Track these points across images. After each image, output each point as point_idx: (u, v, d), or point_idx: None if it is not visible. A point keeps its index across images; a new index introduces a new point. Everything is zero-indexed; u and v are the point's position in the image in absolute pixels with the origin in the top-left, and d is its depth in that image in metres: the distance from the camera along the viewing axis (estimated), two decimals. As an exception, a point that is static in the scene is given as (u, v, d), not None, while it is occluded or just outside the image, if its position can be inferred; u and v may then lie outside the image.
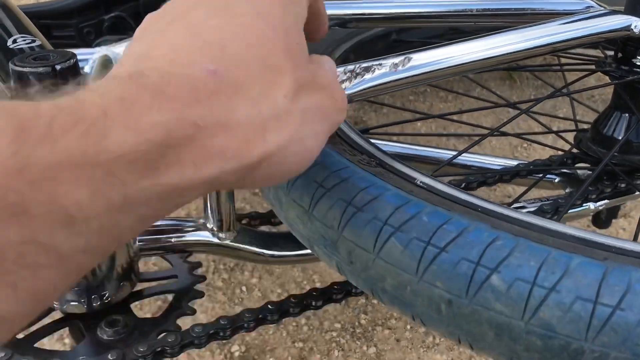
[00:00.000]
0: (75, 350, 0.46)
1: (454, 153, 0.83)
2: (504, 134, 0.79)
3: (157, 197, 0.24)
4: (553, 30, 0.53)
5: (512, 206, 0.68)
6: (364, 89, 0.45)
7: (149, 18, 0.33)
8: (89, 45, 1.00)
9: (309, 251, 0.45)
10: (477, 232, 0.34)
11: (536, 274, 0.31)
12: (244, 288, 0.86)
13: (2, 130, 0.20)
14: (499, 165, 0.82)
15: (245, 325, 0.49)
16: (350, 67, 0.45)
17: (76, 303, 0.47)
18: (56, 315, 0.49)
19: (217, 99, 0.26)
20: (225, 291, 0.85)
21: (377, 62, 0.45)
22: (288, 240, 0.56)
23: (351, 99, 0.44)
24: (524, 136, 0.97)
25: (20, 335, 0.46)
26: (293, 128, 0.29)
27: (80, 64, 0.78)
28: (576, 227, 0.36)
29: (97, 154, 0.21)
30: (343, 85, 0.44)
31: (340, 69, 0.44)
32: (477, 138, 0.74)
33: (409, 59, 0.47)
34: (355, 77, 0.45)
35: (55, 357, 0.44)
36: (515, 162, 0.78)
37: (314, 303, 0.53)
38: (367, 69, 0.45)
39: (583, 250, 0.33)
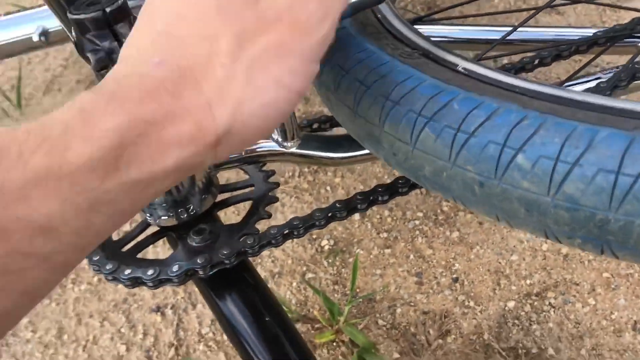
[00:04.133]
0: (170, 257, 0.52)
1: (526, 29, 0.79)
2: (578, 1, 0.74)
3: (123, 194, 0.26)
4: None
5: (576, 78, 0.65)
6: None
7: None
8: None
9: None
10: (505, 114, 0.35)
11: (560, 150, 0.32)
12: (328, 188, 0.90)
13: None
14: (576, 36, 0.78)
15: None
16: None
17: (167, 217, 0.53)
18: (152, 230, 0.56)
19: (164, 89, 0.28)
20: (312, 192, 0.90)
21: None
22: (352, 141, 0.58)
23: None
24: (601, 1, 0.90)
25: (124, 249, 0.54)
26: (238, 91, 0.29)
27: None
28: (612, 98, 0.35)
29: (60, 168, 0.24)
30: None
31: None
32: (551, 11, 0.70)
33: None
34: None
35: (155, 265, 0.51)
36: (593, 30, 0.74)
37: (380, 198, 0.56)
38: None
39: (613, 122, 0.33)
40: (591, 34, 0.70)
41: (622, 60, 0.79)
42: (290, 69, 0.30)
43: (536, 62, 0.71)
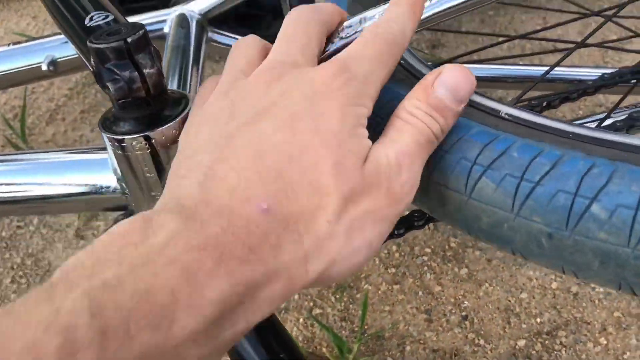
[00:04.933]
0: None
1: (538, 69, 0.80)
2: (587, 45, 0.75)
3: (215, 353, 0.26)
4: None
5: (605, 117, 0.65)
6: (425, 18, 0.44)
7: (215, 102, 0.34)
8: (167, 3, 1.04)
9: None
10: (572, 162, 0.34)
11: (639, 199, 0.30)
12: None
13: (88, 339, 0.21)
14: (583, 76, 0.78)
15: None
16: None
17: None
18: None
19: (266, 243, 0.27)
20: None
21: (437, -13, 0.44)
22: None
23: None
24: (609, 44, 0.91)
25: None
26: (335, 250, 0.29)
27: (160, 25, 0.82)
28: None
29: (165, 342, 0.23)
30: None
31: None
32: (558, 52, 0.71)
33: (471, -21, 0.45)
34: None
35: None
36: (600, 72, 0.74)
37: (395, 231, 0.55)
38: (428, -5, 0.44)
39: None
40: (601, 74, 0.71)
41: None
42: (380, 233, 0.31)
43: (544, 104, 0.71)
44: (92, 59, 0.42)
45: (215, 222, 0.27)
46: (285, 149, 0.30)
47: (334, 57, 0.34)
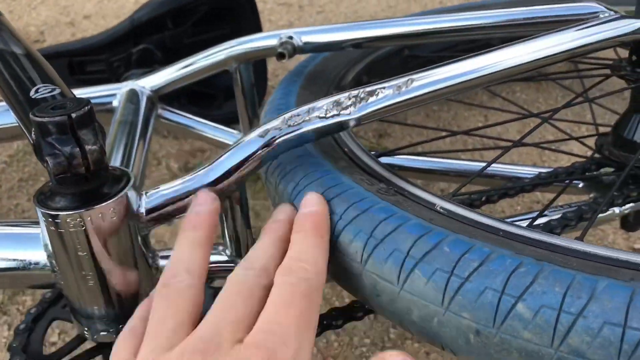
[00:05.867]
0: (106, 378, 0.48)
1: (478, 164, 0.83)
2: (525, 144, 0.79)
3: None
4: (560, 40, 0.52)
5: (537, 216, 0.67)
6: (369, 112, 0.45)
7: None
8: (119, 77, 1.04)
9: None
10: (500, 260, 0.34)
11: (562, 300, 0.31)
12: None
13: None
14: (521, 174, 0.82)
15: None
16: (355, 92, 0.46)
17: (106, 333, 0.50)
18: (88, 345, 0.52)
19: None
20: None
21: (380, 86, 0.46)
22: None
23: (359, 121, 0.45)
24: (545, 145, 0.96)
25: (55, 366, 0.49)
26: None
27: (109, 99, 0.81)
28: (601, 246, 0.36)
29: None
30: (348, 111, 0.44)
31: (345, 95, 0.45)
32: (499, 149, 0.74)
33: (412, 81, 0.47)
34: (360, 102, 0.46)
35: (87, 386, 0.47)
36: (537, 170, 0.78)
37: (334, 322, 0.54)
38: (371, 93, 0.46)
39: (608, 272, 0.33)
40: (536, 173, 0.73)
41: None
42: None
43: (483, 199, 0.73)
44: (33, 131, 0.41)
45: None
46: None
47: (257, 340, 0.32)
